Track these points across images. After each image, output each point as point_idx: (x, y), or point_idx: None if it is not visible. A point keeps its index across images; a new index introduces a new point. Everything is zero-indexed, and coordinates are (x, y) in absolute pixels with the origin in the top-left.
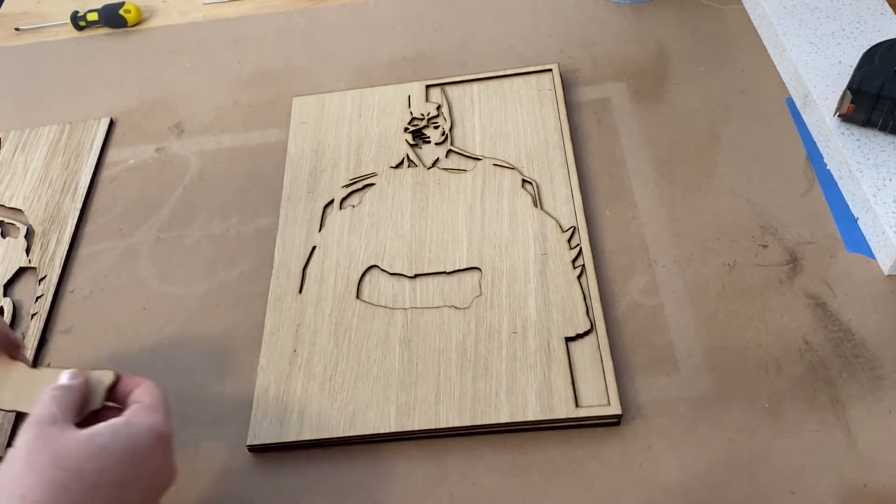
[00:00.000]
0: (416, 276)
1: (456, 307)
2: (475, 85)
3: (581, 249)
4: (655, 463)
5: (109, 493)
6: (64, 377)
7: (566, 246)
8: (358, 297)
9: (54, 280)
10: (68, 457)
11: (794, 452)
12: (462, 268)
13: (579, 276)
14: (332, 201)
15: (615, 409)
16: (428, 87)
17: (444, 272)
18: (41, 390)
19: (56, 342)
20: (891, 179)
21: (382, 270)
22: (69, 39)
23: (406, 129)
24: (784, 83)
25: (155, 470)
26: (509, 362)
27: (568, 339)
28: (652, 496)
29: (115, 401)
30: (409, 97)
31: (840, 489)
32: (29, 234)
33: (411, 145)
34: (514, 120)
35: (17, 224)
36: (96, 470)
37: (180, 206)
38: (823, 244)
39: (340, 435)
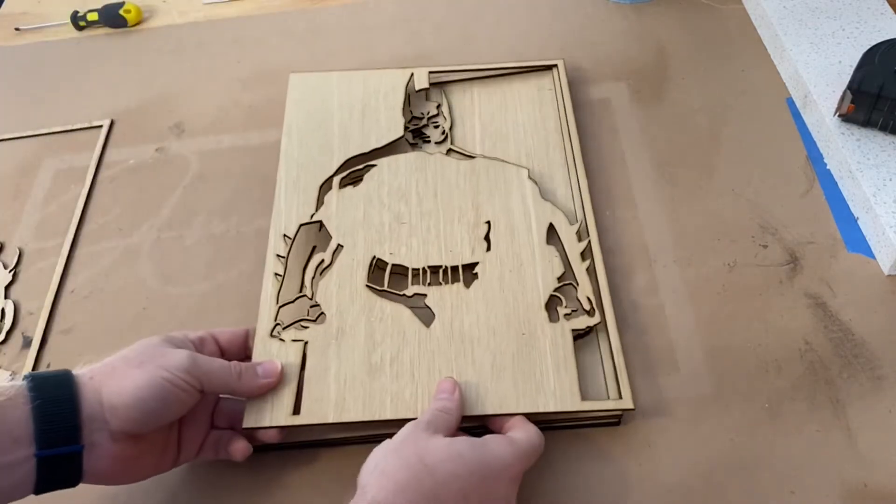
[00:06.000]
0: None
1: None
2: (475, 84)
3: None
4: (655, 462)
5: (452, 494)
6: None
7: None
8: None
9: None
10: (429, 453)
11: (794, 452)
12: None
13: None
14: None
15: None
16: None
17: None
18: None
19: (56, 342)
20: (891, 179)
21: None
22: (69, 39)
23: (406, 128)
24: (784, 83)
25: (494, 494)
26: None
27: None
28: (652, 496)
29: (493, 430)
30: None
31: (840, 489)
32: None
33: (411, 144)
34: (514, 120)
35: None
36: (448, 471)
37: (180, 206)
38: (823, 244)
39: (341, 434)
